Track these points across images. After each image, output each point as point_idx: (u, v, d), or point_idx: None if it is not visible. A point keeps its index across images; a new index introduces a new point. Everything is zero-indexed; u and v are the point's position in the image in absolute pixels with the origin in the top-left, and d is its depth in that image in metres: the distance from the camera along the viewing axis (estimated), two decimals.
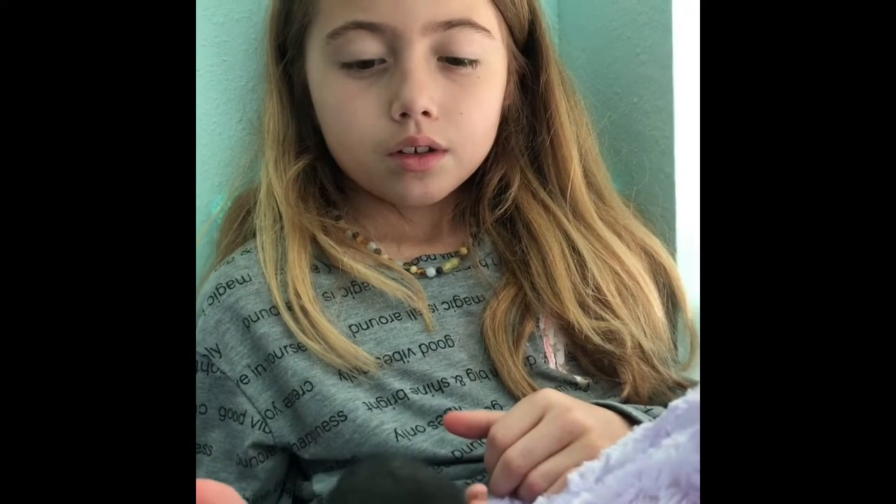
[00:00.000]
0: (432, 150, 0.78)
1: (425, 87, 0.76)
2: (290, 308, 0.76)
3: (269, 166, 0.83)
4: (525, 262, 0.81)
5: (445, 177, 0.80)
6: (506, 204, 0.83)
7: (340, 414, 0.74)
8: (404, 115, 0.76)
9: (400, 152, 0.78)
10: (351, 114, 0.78)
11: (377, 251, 0.83)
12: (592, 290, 0.79)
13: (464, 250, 0.84)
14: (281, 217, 0.81)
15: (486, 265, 0.83)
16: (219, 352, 0.78)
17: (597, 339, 0.78)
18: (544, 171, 0.85)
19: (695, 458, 0.52)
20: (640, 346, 0.79)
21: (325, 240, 0.80)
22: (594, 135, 0.88)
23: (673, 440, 0.54)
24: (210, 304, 0.79)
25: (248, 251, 0.81)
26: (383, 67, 0.77)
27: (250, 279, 0.79)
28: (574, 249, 0.81)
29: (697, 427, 0.54)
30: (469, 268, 0.83)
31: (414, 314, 0.79)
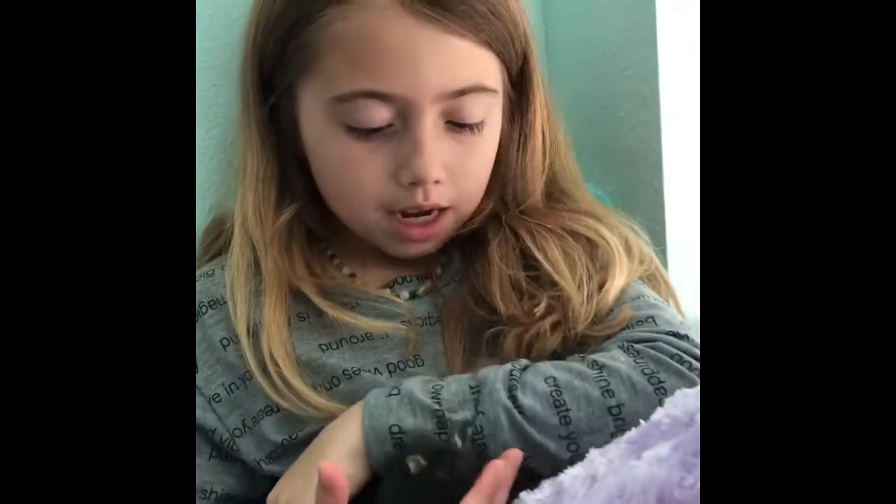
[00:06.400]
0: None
1: (437, 157, 0.74)
2: (265, 372, 0.74)
3: (249, 211, 0.79)
4: (471, 260, 0.80)
5: (443, 232, 0.79)
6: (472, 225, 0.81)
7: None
8: (413, 183, 0.75)
9: (402, 212, 0.76)
10: (356, 175, 0.75)
11: (352, 275, 0.82)
12: (524, 271, 0.78)
13: (438, 270, 0.82)
14: (256, 266, 0.78)
15: (455, 281, 0.81)
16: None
17: (526, 320, 0.75)
18: (505, 191, 0.82)
19: (678, 474, 0.53)
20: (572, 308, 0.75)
21: (317, 299, 0.77)
22: (571, 154, 0.86)
23: (655, 452, 0.54)
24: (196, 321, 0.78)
25: (224, 267, 0.79)
26: (391, 131, 0.74)
27: (226, 302, 0.78)
28: (513, 232, 0.79)
29: (679, 439, 0.55)
30: (440, 288, 0.81)
31: (388, 335, 0.77)
